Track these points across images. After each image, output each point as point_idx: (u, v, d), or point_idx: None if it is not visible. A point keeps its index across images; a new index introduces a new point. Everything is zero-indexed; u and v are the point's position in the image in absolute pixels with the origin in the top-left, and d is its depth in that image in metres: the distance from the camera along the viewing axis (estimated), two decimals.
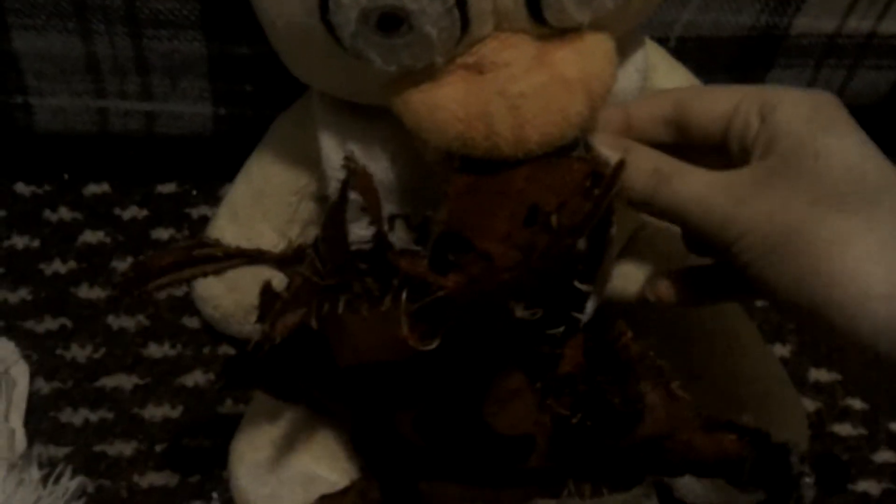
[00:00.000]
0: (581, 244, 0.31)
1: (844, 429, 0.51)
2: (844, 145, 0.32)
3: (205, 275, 0.35)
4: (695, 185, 0.34)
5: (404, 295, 0.32)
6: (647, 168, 0.35)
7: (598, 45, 0.35)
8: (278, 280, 0.36)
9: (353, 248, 0.34)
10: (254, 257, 0.35)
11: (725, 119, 0.35)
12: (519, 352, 0.34)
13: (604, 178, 0.33)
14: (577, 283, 0.32)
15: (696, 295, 0.38)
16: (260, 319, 0.35)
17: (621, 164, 0.32)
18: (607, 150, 0.35)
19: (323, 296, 0.33)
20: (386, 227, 0.40)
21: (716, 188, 0.33)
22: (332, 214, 0.33)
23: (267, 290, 0.35)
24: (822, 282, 0.31)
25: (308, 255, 0.34)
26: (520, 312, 0.31)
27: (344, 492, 0.40)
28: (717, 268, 0.37)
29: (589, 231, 0.31)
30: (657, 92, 0.40)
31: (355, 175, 0.33)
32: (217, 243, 0.36)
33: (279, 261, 0.35)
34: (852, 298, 0.30)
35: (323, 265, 0.33)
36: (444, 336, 0.31)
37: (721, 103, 0.35)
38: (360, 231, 0.35)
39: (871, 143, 0.33)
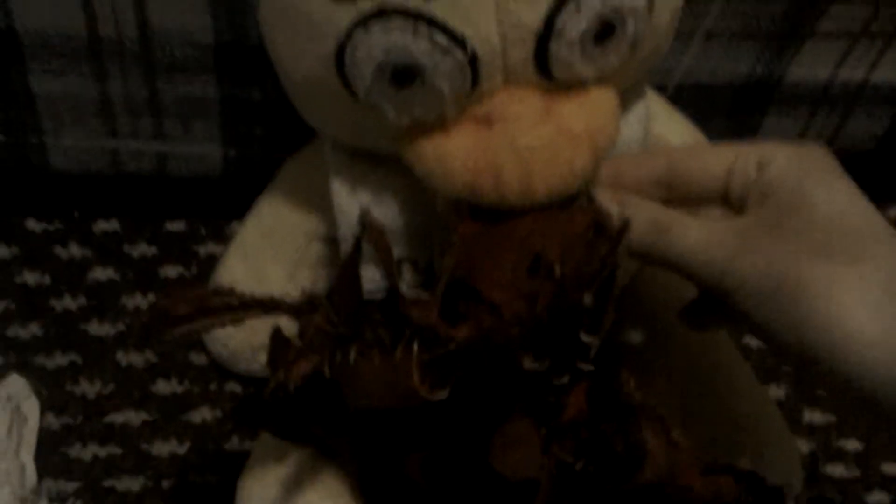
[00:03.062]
0: (587, 299, 0.32)
1: (838, 470, 0.51)
2: (832, 197, 0.34)
3: (222, 325, 0.36)
4: (692, 237, 0.35)
5: (415, 345, 0.33)
6: (644, 220, 0.36)
7: (602, 100, 0.36)
8: (286, 324, 0.37)
9: (366, 296, 0.35)
10: (269, 307, 0.36)
11: (724, 176, 0.36)
12: (525, 399, 0.34)
13: (605, 230, 0.34)
14: (582, 336, 0.33)
15: (702, 321, 0.40)
16: (270, 364, 0.36)
17: (626, 224, 0.33)
18: (606, 203, 0.37)
19: (336, 344, 0.34)
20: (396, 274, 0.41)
21: (713, 240, 0.35)
22: (346, 266, 0.34)
23: (277, 336, 0.36)
24: (814, 327, 0.32)
25: (322, 304, 0.35)
26: (528, 364, 0.32)
27: None
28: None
29: (595, 285, 0.32)
30: (647, 152, 0.41)
31: (369, 229, 0.34)
32: (232, 291, 0.36)
33: (294, 310, 0.36)
34: (842, 343, 0.32)
35: (336, 314, 0.34)
36: (453, 384, 0.32)
37: (719, 161, 0.36)
38: (368, 273, 0.36)
39: (858, 191, 0.34)
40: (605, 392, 0.35)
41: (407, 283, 0.41)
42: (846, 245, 0.33)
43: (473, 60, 0.34)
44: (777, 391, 0.53)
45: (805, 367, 0.33)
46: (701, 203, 0.37)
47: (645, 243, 0.36)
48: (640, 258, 0.37)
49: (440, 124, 0.36)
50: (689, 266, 0.35)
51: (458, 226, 0.36)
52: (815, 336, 0.32)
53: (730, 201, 0.36)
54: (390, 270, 0.35)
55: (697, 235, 0.35)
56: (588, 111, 0.36)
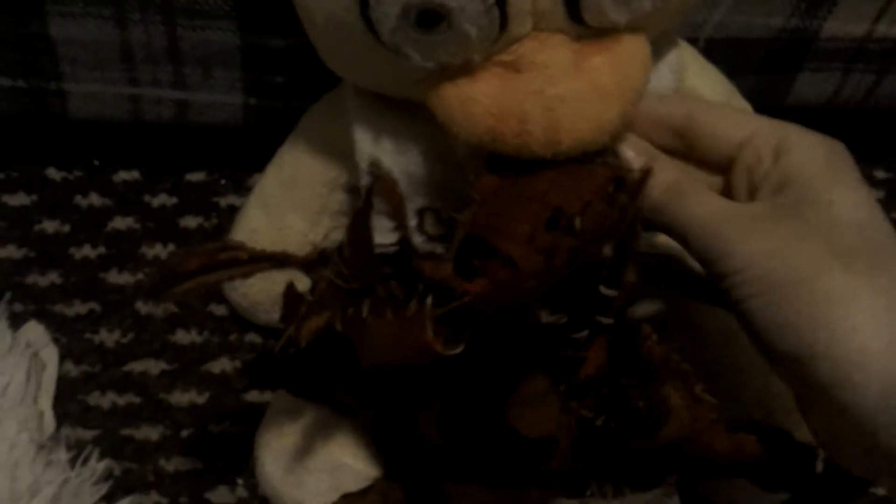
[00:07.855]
0: (607, 250, 0.31)
1: None
2: (856, 199, 0.33)
3: (231, 279, 0.35)
4: (705, 208, 0.34)
5: (429, 300, 0.32)
6: (665, 179, 0.35)
7: (634, 50, 0.35)
8: (300, 280, 0.36)
9: (378, 251, 0.34)
10: (279, 261, 0.35)
11: (736, 146, 0.35)
12: (542, 355, 0.34)
13: (627, 184, 0.33)
14: (602, 289, 0.32)
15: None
16: (283, 320, 0.35)
17: (648, 173, 0.32)
18: (633, 152, 0.36)
19: (347, 299, 0.33)
20: (415, 222, 0.41)
21: (725, 216, 0.33)
22: (357, 219, 0.33)
23: (290, 292, 0.35)
24: (819, 331, 0.30)
25: (333, 259, 0.34)
26: (545, 318, 0.31)
27: (365, 492, 0.40)
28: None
29: (615, 237, 0.31)
30: (672, 97, 0.40)
31: (380, 181, 0.34)
32: (242, 246, 0.36)
33: (304, 264, 0.35)
34: (849, 352, 0.30)
35: (348, 269, 0.34)
36: (468, 340, 0.32)
37: (736, 129, 0.35)
38: (382, 222, 0.36)
39: (874, 199, 0.33)
40: (626, 347, 0.34)
41: (428, 233, 0.41)
42: (866, 256, 0.31)
43: (502, 3, 0.33)
44: None
45: (789, 370, 0.32)
46: (701, 165, 0.36)
47: (658, 204, 0.35)
48: (649, 218, 0.35)
49: (465, 69, 0.35)
50: (695, 237, 0.34)
51: (476, 181, 0.35)
52: (814, 341, 0.31)
53: (733, 177, 0.35)
54: (402, 223, 0.34)
55: (712, 206, 0.34)
56: (619, 66, 0.35)
